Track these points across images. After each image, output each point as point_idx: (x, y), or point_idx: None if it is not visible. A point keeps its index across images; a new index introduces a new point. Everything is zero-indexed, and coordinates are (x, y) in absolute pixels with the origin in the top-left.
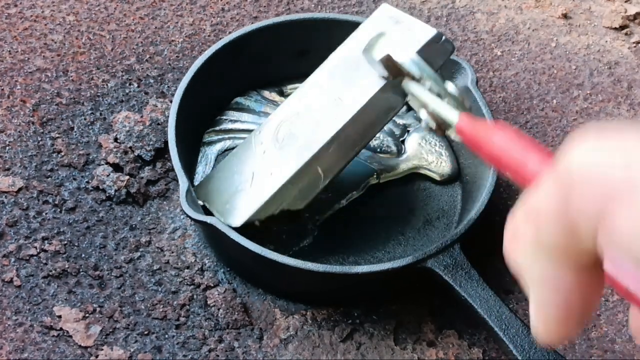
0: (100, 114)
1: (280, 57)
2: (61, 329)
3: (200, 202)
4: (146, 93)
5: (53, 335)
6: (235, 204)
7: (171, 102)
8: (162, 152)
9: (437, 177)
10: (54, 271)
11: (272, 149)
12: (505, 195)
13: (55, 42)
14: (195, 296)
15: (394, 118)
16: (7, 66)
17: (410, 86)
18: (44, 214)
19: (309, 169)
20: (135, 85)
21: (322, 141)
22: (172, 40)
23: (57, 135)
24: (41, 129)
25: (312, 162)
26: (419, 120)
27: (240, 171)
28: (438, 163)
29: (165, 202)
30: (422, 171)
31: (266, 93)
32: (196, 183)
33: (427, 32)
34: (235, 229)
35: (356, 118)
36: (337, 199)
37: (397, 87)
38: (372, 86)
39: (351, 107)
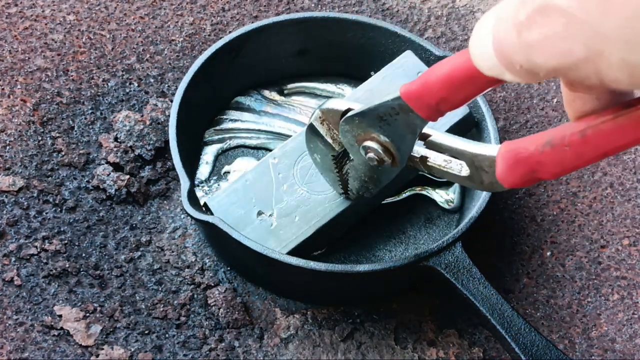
0: (101, 114)
1: (280, 56)
2: (62, 328)
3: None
4: (146, 92)
5: (54, 335)
6: (257, 237)
7: (171, 101)
8: (162, 152)
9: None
10: (54, 271)
11: (295, 185)
12: (505, 194)
13: (56, 42)
14: (195, 296)
15: None
16: (7, 65)
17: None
18: (44, 213)
19: (337, 220)
20: (136, 84)
21: (348, 201)
22: (173, 40)
23: (57, 135)
24: (42, 128)
25: (339, 216)
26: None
27: (260, 203)
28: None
29: (165, 202)
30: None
31: (266, 92)
32: (197, 182)
33: (459, 111)
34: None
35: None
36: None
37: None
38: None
39: None
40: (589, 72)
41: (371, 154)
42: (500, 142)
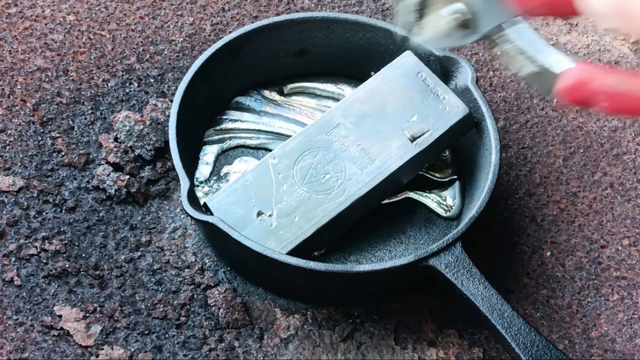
0: (101, 114)
1: (280, 56)
2: (62, 328)
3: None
4: (146, 92)
5: (53, 335)
6: (257, 237)
7: (171, 101)
8: (162, 152)
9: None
10: (54, 271)
11: (295, 185)
12: (505, 194)
13: (56, 42)
14: (195, 296)
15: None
16: (7, 66)
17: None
18: (44, 213)
19: (337, 220)
20: (136, 84)
21: (348, 201)
22: (173, 40)
23: (57, 135)
24: (41, 128)
25: (338, 217)
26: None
27: (260, 203)
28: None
29: (165, 202)
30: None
31: (266, 92)
32: (197, 183)
33: (459, 111)
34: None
35: (387, 179)
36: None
37: (424, 149)
38: (404, 152)
39: (383, 171)
40: None
41: (457, 16)
42: (501, 143)
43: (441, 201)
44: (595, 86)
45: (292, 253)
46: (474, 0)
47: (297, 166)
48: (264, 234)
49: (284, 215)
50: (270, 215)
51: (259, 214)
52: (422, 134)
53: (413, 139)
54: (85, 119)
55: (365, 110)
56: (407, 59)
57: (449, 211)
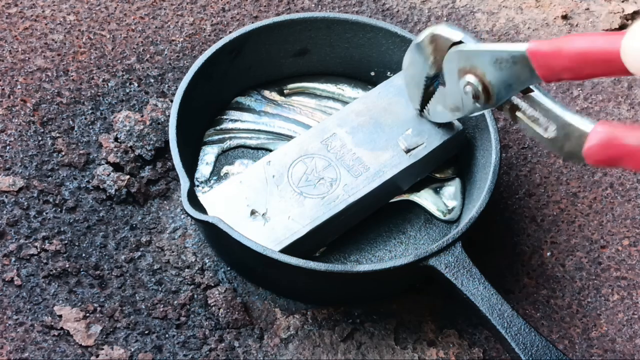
0: (101, 114)
1: (280, 56)
2: (62, 328)
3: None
4: (146, 92)
5: (54, 335)
6: (249, 235)
7: (171, 101)
8: (162, 152)
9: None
10: (54, 271)
11: (288, 187)
12: (505, 194)
13: (56, 42)
14: (195, 296)
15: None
16: (7, 66)
17: (537, 100)
18: (44, 213)
19: (328, 224)
20: (136, 84)
21: (342, 205)
22: (173, 40)
23: (57, 135)
24: (42, 128)
25: (332, 220)
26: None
27: (253, 202)
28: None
29: (165, 202)
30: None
31: (266, 92)
32: (197, 183)
33: (453, 127)
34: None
35: (380, 187)
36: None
37: (418, 161)
38: (399, 162)
39: (377, 179)
40: None
41: (469, 88)
42: (501, 143)
43: (440, 204)
44: (620, 145)
45: (284, 252)
46: (490, 72)
47: (292, 170)
48: (256, 232)
49: (276, 214)
50: (263, 214)
51: (252, 212)
52: (417, 146)
53: (407, 151)
54: (86, 119)
55: (360, 122)
56: (402, 78)
57: (449, 213)
